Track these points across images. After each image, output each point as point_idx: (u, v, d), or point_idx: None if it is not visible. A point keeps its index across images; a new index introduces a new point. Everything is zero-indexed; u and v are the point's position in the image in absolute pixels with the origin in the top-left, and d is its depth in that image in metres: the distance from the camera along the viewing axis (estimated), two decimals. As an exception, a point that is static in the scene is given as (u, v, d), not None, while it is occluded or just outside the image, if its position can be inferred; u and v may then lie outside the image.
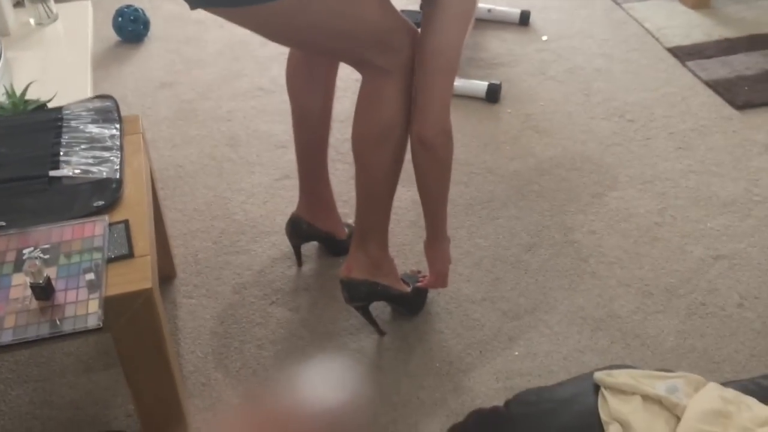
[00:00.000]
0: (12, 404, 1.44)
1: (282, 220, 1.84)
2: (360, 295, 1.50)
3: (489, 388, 1.46)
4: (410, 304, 1.59)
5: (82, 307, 1.06)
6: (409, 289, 1.57)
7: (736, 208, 1.87)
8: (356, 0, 1.23)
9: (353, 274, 1.48)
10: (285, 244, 1.76)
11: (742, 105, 2.23)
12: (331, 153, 1.92)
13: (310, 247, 1.76)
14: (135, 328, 1.12)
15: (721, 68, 2.40)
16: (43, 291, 1.06)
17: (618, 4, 2.80)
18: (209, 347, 1.55)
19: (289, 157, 2.05)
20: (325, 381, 0.66)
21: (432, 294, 1.65)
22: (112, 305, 1.08)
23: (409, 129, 1.33)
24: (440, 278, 1.53)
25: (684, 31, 2.60)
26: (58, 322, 1.04)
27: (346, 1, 1.21)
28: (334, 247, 1.74)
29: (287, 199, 1.92)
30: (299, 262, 1.73)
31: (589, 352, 1.53)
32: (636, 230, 1.82)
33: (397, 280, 1.55)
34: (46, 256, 1.13)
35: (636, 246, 1.77)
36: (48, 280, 1.06)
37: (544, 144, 2.11)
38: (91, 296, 1.08)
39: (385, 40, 1.29)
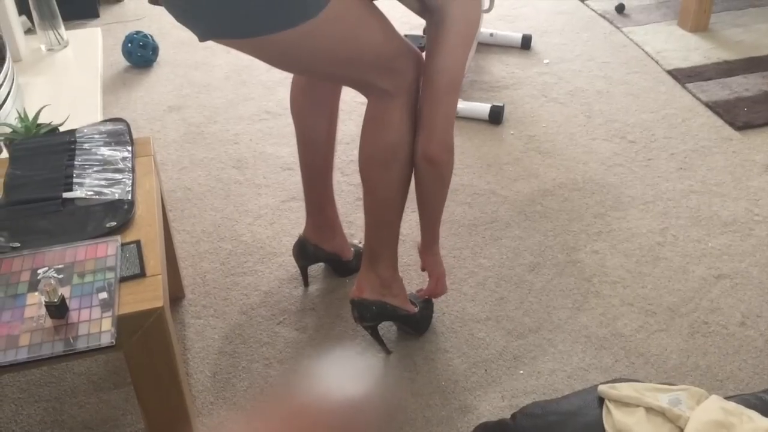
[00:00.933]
0: (23, 424, 1.45)
1: (288, 241, 1.87)
2: (370, 315, 1.52)
3: (494, 407, 1.47)
4: (417, 323, 1.61)
5: (96, 326, 1.08)
6: (416, 310, 1.59)
7: (737, 228, 1.90)
8: (360, 27, 1.26)
9: (364, 295, 1.50)
10: (292, 265, 1.78)
11: (741, 126, 2.26)
12: (336, 174, 1.95)
13: (316, 268, 1.79)
14: (147, 346, 1.14)
15: (720, 90, 2.43)
16: (58, 310, 1.08)
17: (618, 27, 2.85)
18: (217, 366, 1.57)
19: (295, 179, 2.08)
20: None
21: (437, 314, 1.67)
22: (124, 323, 1.10)
23: (414, 147, 1.36)
24: (440, 282, 1.57)
25: (683, 54, 2.64)
26: (72, 340, 1.06)
27: (349, 28, 1.25)
28: (340, 267, 1.76)
29: (294, 221, 1.94)
30: (306, 283, 1.75)
31: (593, 371, 1.54)
32: (638, 250, 1.84)
33: (406, 300, 1.57)
34: (60, 276, 1.15)
35: (638, 265, 1.79)
36: (62, 299, 1.09)
37: (547, 165, 2.14)
38: (104, 315, 1.10)
39: (388, 64, 1.32)
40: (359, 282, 1.52)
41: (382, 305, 1.52)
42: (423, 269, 1.58)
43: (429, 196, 1.42)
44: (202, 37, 1.24)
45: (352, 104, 2.37)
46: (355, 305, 1.51)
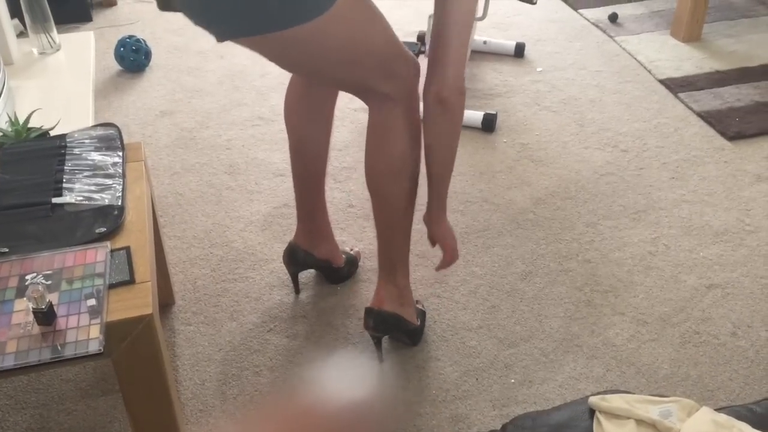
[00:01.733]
0: (9, 431, 1.44)
1: (280, 248, 1.86)
2: (385, 327, 1.54)
3: (485, 416, 1.47)
4: (416, 335, 1.61)
5: (84, 333, 1.07)
6: (418, 322, 1.59)
7: (728, 238, 1.90)
8: (367, 25, 1.27)
9: (384, 306, 1.52)
10: (283, 272, 1.77)
11: (733, 136, 2.27)
12: (329, 181, 1.95)
13: (307, 275, 1.78)
14: (135, 354, 1.13)
15: (712, 100, 2.44)
16: (45, 316, 1.07)
17: (611, 37, 2.86)
18: (207, 374, 1.55)
19: (287, 186, 2.07)
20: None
21: (429, 322, 1.66)
22: (112, 331, 1.09)
23: (425, 91, 1.31)
24: (454, 252, 1.50)
25: (675, 64, 2.65)
26: (59, 347, 1.05)
27: (358, 25, 1.25)
28: (331, 274, 1.76)
29: (286, 227, 1.94)
30: (297, 290, 1.74)
31: (584, 380, 1.54)
32: (630, 259, 1.84)
33: (414, 313, 1.59)
34: (49, 282, 1.14)
35: (630, 275, 1.79)
36: (50, 305, 1.08)
37: (540, 173, 2.14)
38: (93, 322, 1.09)
39: (390, 67, 1.32)
40: (379, 294, 1.53)
41: (397, 319, 1.53)
42: (433, 243, 1.51)
43: (439, 146, 1.36)
44: (221, 37, 1.24)
45: (345, 110, 2.37)
46: (372, 315, 1.52)
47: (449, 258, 1.50)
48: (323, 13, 1.18)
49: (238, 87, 2.57)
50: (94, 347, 1.05)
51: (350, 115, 2.37)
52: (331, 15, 1.19)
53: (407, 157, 1.37)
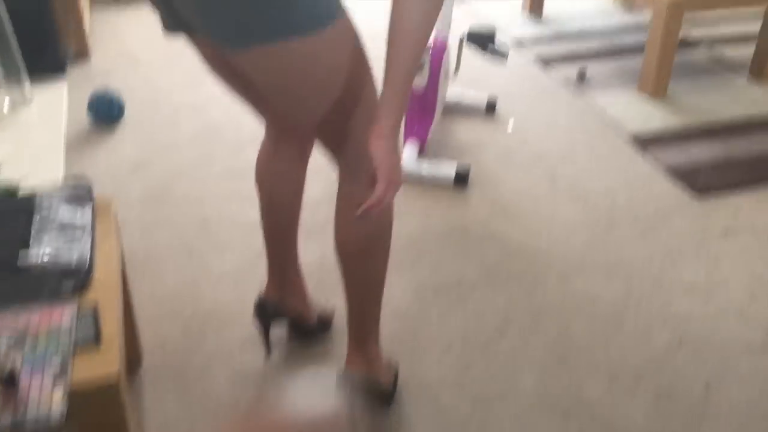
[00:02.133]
0: (-35, 498, 1.38)
1: (252, 304, 1.83)
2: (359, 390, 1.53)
3: (460, 477, 1.44)
4: (388, 396, 1.59)
5: (46, 399, 1.04)
6: (392, 380, 1.59)
7: (698, 293, 1.92)
8: (361, 60, 1.21)
9: (355, 372, 1.51)
10: (255, 329, 1.75)
11: (700, 190, 2.31)
12: (303, 233, 1.93)
13: (280, 333, 1.75)
14: (100, 418, 1.10)
15: (679, 155, 2.49)
16: (6, 383, 1.04)
17: (580, 94, 2.92)
18: (175, 435, 1.51)
19: (261, 240, 2.05)
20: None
21: (402, 378, 1.64)
22: (76, 394, 1.05)
23: None
24: (390, 183, 1.14)
25: (643, 120, 2.72)
26: (20, 415, 1.02)
27: (352, 55, 1.18)
28: (302, 330, 1.73)
29: (258, 283, 1.91)
30: (268, 347, 1.71)
31: (559, 438, 1.52)
32: (602, 314, 1.84)
33: (387, 373, 1.57)
34: (12, 344, 1.11)
35: (603, 330, 1.79)
36: (12, 371, 1.04)
37: (512, 228, 2.15)
38: (56, 385, 1.06)
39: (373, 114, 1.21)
40: (349, 361, 1.52)
41: (368, 382, 1.52)
42: (373, 178, 1.15)
43: (408, 8, 1.08)
44: (233, 46, 1.14)
45: (319, 164, 2.37)
46: (346, 379, 1.50)
47: (381, 190, 1.13)
48: (325, 28, 1.10)
49: (212, 141, 2.57)
50: (56, 415, 1.02)
51: (325, 168, 2.37)
52: (330, 31, 1.12)
53: (383, 232, 1.33)
